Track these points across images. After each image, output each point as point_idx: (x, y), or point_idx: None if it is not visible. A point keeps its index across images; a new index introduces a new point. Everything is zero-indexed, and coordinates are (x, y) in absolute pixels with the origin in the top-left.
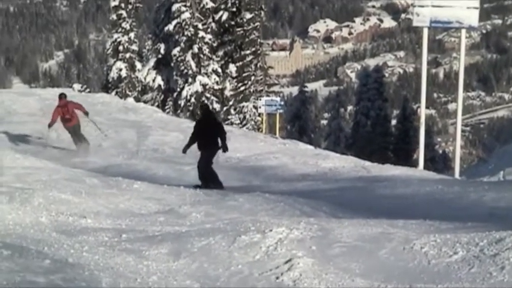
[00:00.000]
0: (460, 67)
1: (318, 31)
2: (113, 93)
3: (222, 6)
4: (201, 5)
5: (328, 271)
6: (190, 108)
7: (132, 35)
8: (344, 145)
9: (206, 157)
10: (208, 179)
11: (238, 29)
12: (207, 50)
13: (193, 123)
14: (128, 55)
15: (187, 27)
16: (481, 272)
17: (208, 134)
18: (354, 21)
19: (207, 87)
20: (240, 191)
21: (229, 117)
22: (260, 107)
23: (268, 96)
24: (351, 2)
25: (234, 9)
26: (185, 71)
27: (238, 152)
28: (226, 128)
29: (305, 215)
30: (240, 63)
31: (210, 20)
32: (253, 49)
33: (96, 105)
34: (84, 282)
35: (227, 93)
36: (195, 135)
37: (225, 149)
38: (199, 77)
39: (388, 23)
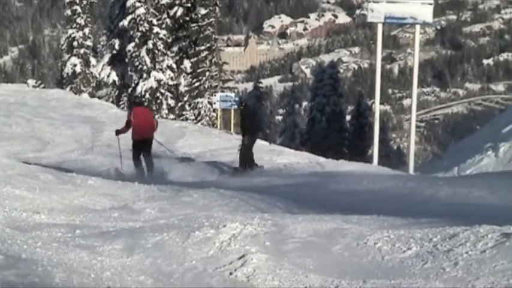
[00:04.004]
0: (414, 63)
1: (273, 27)
2: (68, 88)
3: (177, 2)
4: (156, 1)
5: (282, 267)
6: (145, 103)
7: (86, 30)
8: (299, 141)
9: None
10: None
11: (193, 25)
12: (162, 45)
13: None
14: (82, 51)
15: (141, 22)
16: (435, 267)
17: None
18: (308, 17)
19: (162, 82)
20: (194, 186)
21: (184, 113)
22: (215, 103)
23: (223, 92)
24: None
25: (189, 5)
26: (140, 66)
27: (193, 148)
28: (182, 123)
29: (259, 211)
30: (195, 58)
31: (165, 15)
32: (208, 45)
33: (51, 101)
34: (37, 278)
35: (182, 88)
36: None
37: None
38: (153, 73)
39: (343, 18)
